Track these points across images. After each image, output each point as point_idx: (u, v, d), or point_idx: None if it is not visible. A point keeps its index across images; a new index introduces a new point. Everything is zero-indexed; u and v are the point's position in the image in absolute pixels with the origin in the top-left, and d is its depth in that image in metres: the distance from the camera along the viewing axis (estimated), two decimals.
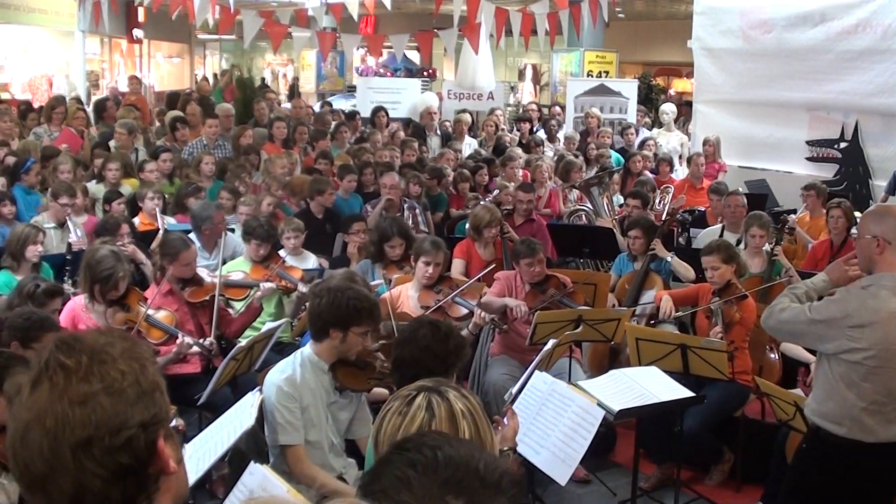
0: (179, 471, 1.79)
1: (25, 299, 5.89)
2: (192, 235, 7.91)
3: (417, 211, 10.28)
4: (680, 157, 14.64)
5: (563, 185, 11.89)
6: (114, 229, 7.92)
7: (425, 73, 20.97)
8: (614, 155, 13.85)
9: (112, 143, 12.14)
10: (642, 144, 14.38)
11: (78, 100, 16.83)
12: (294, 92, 24.34)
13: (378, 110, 15.28)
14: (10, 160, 10.32)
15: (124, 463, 1.65)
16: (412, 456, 1.71)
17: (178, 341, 6.50)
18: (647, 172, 12.72)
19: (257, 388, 5.03)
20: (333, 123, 14.64)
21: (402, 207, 10.10)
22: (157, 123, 15.49)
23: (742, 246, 8.50)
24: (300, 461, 4.90)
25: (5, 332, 4.98)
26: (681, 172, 13.62)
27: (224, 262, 7.54)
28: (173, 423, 4.07)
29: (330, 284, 5.43)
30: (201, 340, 6.66)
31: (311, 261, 8.40)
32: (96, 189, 10.00)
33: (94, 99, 19.06)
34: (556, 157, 13.21)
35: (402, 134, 14.24)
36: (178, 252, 6.92)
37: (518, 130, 15.91)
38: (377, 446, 2.78)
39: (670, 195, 11.46)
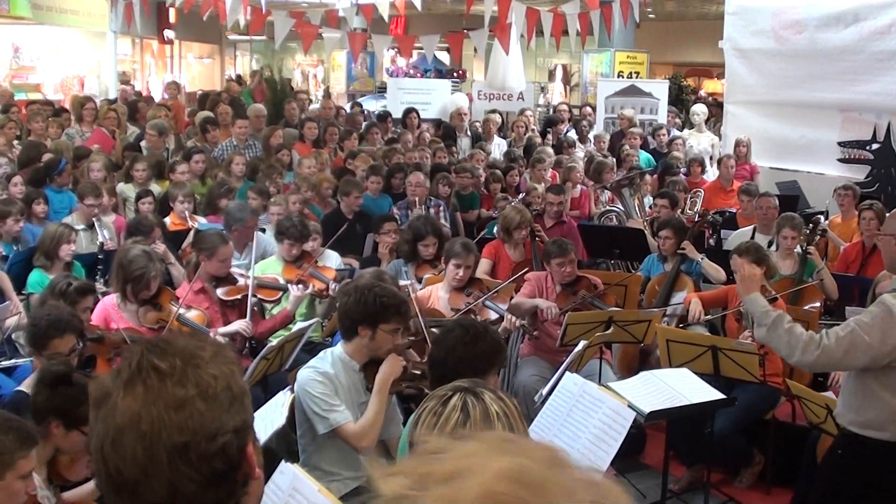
0: (261, 475, 1.80)
1: (58, 297, 5.92)
2: None
3: (441, 208, 10.28)
4: (711, 158, 14.57)
5: (595, 186, 11.87)
6: (147, 231, 7.95)
7: (455, 74, 20.98)
8: (643, 155, 13.81)
9: (143, 144, 12.21)
10: (670, 144, 14.34)
11: (109, 100, 16.93)
12: (328, 93, 24.39)
13: (409, 111, 15.31)
14: (46, 157, 10.40)
15: (218, 468, 1.66)
16: None
17: None
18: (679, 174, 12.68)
19: (288, 387, 5.04)
20: (364, 124, 14.68)
21: (427, 206, 10.10)
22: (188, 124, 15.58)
23: (773, 248, 8.46)
24: (356, 436, 4.87)
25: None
26: (711, 174, 13.55)
27: (255, 262, 7.56)
28: None
29: (358, 283, 5.44)
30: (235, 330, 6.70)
31: (334, 259, 8.41)
32: (125, 188, 10.06)
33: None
34: (586, 158, 13.18)
35: (427, 136, 14.25)
36: (215, 247, 6.95)
37: (549, 133, 15.87)
38: (413, 446, 2.79)
39: (701, 197, 11.43)
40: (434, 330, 5.93)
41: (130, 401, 1.64)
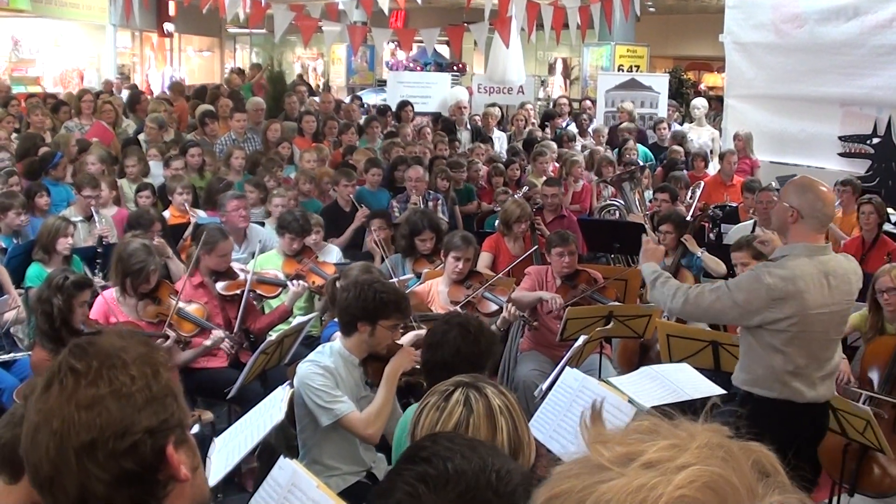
0: (195, 477, 1.77)
1: (55, 291, 5.91)
2: None
3: (440, 202, 10.26)
4: (711, 152, 14.55)
5: (597, 180, 11.86)
6: (148, 225, 7.93)
7: (455, 68, 20.94)
8: (641, 150, 13.78)
9: (142, 137, 12.20)
10: (680, 142, 14.30)
11: (109, 93, 16.90)
12: (328, 87, 24.36)
13: (404, 105, 15.29)
14: (42, 150, 10.38)
15: (128, 468, 1.65)
16: (422, 469, 1.69)
17: (212, 334, 6.54)
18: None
19: (287, 382, 5.03)
20: (364, 118, 14.65)
21: (425, 199, 10.08)
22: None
23: None
24: (362, 424, 4.85)
25: None
26: (712, 168, 13.54)
27: (253, 256, 7.55)
28: (195, 429, 4.08)
29: (355, 278, 5.42)
30: (231, 333, 6.70)
31: (335, 253, 8.41)
32: (123, 183, 10.04)
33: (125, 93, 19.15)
34: (587, 152, 13.16)
35: (429, 129, 14.23)
36: (215, 242, 6.94)
37: (547, 126, 15.85)
38: (414, 441, 2.77)
39: (700, 191, 11.41)
40: (422, 325, 5.91)
41: (46, 399, 1.67)
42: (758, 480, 1.05)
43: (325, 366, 4.91)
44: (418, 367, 5.11)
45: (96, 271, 7.64)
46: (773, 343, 4.89)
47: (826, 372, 5.02)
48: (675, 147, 13.56)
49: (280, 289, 7.32)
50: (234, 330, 6.76)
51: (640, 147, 13.90)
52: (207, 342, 6.52)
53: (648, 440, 1.07)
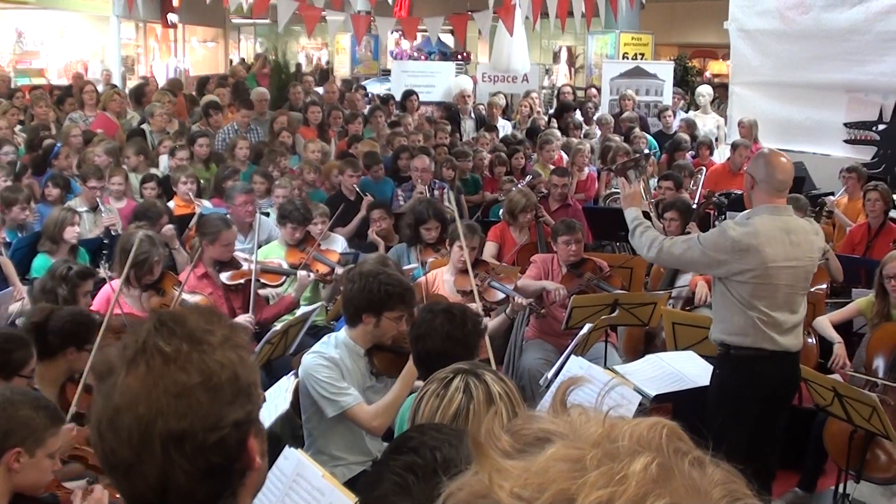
0: (263, 464, 1.75)
1: (59, 282, 5.92)
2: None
3: (445, 190, 10.26)
4: (716, 139, 14.50)
5: (603, 168, 11.84)
6: (155, 218, 7.92)
7: (460, 57, 20.89)
8: (649, 139, 13.74)
9: (146, 128, 12.19)
10: (689, 132, 14.23)
11: (112, 86, 16.89)
12: (325, 76, 24.29)
13: (409, 94, 15.26)
14: (48, 143, 10.41)
15: (214, 462, 1.62)
16: (410, 459, 1.69)
17: None
18: (686, 156, 12.62)
19: (292, 371, 5.03)
20: (368, 107, 14.63)
21: (431, 189, 10.08)
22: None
23: None
24: (369, 416, 4.84)
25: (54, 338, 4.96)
26: (717, 155, 13.49)
27: (259, 247, 7.55)
28: None
29: (362, 269, 5.42)
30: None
31: (340, 243, 8.40)
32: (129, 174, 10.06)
33: (129, 84, 19.17)
34: (600, 143, 13.13)
35: (432, 118, 14.21)
36: (218, 231, 6.93)
37: (553, 116, 15.81)
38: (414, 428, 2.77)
39: (703, 176, 11.37)
40: None
41: (131, 381, 1.61)
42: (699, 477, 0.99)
43: (331, 357, 4.91)
44: None
45: (102, 262, 7.64)
46: (742, 294, 5.25)
47: (793, 323, 5.36)
48: (682, 135, 13.49)
49: (284, 278, 7.32)
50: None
51: (648, 136, 13.86)
52: None
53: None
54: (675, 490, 0.95)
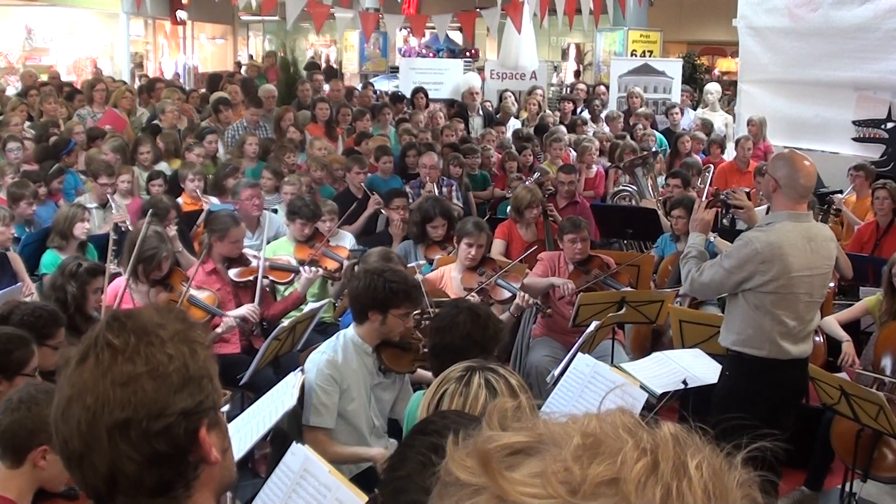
0: (225, 459, 1.76)
1: (69, 278, 5.94)
2: None
3: (454, 188, 10.26)
4: (724, 137, 14.48)
5: (610, 166, 11.84)
6: (164, 214, 7.93)
7: (468, 54, 20.90)
8: (658, 136, 13.73)
9: (157, 123, 12.21)
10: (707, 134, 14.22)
11: (123, 81, 16.93)
12: (332, 73, 24.32)
13: (417, 91, 15.27)
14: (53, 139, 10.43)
15: (160, 449, 1.63)
16: (434, 440, 1.71)
17: (223, 321, 6.54)
18: (695, 154, 12.61)
19: (299, 368, 5.04)
20: (376, 105, 14.63)
21: (440, 186, 10.08)
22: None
23: None
24: (319, 445, 4.73)
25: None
26: (726, 154, 13.49)
27: (267, 243, 7.55)
28: (225, 408, 4.11)
29: (367, 266, 5.43)
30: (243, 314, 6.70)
31: (348, 239, 8.41)
32: (134, 171, 10.07)
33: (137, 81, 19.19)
34: (609, 140, 13.12)
35: (441, 115, 14.20)
36: (227, 228, 6.95)
37: (559, 110, 15.81)
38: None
39: (711, 174, 11.36)
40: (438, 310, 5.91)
41: (80, 373, 1.65)
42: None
43: (333, 362, 4.95)
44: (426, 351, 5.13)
45: (112, 258, 7.66)
46: (762, 304, 5.23)
47: (808, 331, 5.41)
48: (698, 134, 13.48)
49: (293, 275, 7.33)
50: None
51: (657, 133, 13.85)
52: (219, 329, 6.53)
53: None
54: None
